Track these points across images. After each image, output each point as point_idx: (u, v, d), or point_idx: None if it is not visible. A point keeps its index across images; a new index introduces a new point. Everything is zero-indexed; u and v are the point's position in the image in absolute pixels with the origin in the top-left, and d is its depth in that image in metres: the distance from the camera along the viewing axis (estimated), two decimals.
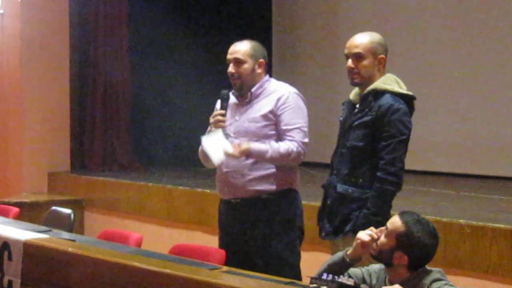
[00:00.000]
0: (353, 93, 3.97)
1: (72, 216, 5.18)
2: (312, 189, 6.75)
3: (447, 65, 8.68)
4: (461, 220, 5.07)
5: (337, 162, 3.89)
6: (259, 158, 4.05)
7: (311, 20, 10.18)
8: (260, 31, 9.73)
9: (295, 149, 4.05)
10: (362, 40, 3.83)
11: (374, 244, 3.16)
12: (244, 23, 9.71)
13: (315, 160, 8.38)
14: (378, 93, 3.75)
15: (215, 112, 4.16)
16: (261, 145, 4.05)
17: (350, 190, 3.75)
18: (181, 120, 9.40)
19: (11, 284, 3.97)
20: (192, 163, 8.77)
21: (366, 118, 3.74)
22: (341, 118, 4.00)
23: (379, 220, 3.54)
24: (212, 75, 9.32)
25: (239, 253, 4.12)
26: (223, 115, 4.12)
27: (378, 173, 3.66)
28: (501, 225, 4.87)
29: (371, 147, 3.72)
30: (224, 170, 4.15)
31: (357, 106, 3.87)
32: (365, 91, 3.79)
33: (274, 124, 4.11)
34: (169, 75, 9.44)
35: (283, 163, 4.10)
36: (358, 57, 3.81)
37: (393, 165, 3.65)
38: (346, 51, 3.87)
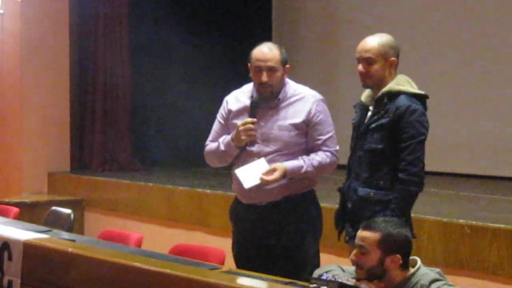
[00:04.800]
0: (365, 95, 3.96)
1: (72, 216, 5.18)
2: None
3: (446, 65, 8.68)
4: (461, 220, 5.07)
5: (356, 165, 3.89)
6: (295, 175, 4.01)
7: (311, 21, 10.18)
8: (260, 31, 9.74)
9: (328, 160, 4.05)
10: (372, 44, 3.81)
11: (358, 271, 3.12)
12: (244, 23, 9.71)
13: None
14: (393, 95, 3.76)
15: (245, 120, 4.02)
16: (294, 162, 4.00)
17: (371, 193, 3.75)
18: (181, 120, 9.40)
19: (11, 284, 3.97)
20: (192, 163, 8.80)
21: (383, 120, 3.74)
22: (354, 121, 3.99)
23: (403, 221, 3.55)
24: (212, 75, 9.34)
25: (261, 256, 4.07)
26: (254, 123, 4.02)
27: (400, 174, 3.67)
28: (501, 225, 4.87)
29: (390, 149, 3.73)
30: None
31: (371, 108, 3.86)
32: (380, 93, 3.79)
33: (304, 133, 4.07)
34: (169, 75, 9.44)
35: (319, 174, 4.10)
36: (369, 62, 3.80)
37: (415, 165, 3.67)
38: (357, 55, 3.85)
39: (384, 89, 3.78)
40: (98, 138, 9.08)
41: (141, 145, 9.45)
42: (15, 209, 5.66)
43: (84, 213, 8.03)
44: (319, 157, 4.04)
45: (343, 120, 9.73)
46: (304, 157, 4.04)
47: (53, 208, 5.50)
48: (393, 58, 3.81)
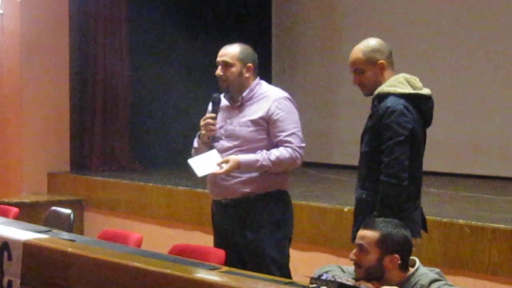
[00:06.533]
0: None
1: (72, 216, 5.18)
2: (311, 189, 6.76)
3: (447, 65, 8.68)
4: (461, 220, 5.07)
5: (358, 167, 3.91)
6: (250, 168, 4.08)
7: (311, 23, 10.18)
8: (260, 34, 9.74)
9: (288, 155, 4.08)
10: (357, 54, 3.83)
11: (357, 270, 3.14)
12: (244, 25, 9.71)
13: (314, 160, 8.37)
14: (382, 97, 3.76)
15: (206, 115, 4.21)
16: (249, 156, 4.08)
17: (364, 195, 3.77)
18: (180, 120, 9.40)
19: (10, 284, 3.97)
20: None
21: (369, 124, 3.78)
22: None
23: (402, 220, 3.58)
24: (212, 75, 9.31)
25: (231, 252, 4.14)
26: (214, 118, 4.18)
27: (380, 176, 3.67)
28: (501, 225, 4.87)
29: (376, 152, 3.73)
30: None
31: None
32: (373, 96, 3.81)
33: (265, 129, 4.14)
34: (169, 75, 9.44)
35: (278, 169, 4.12)
36: (359, 72, 3.82)
37: (391, 167, 3.63)
38: (349, 68, 3.88)
39: (375, 92, 3.79)
40: (98, 138, 9.08)
41: (141, 145, 9.45)
42: (15, 209, 5.65)
43: (84, 213, 8.03)
44: (277, 152, 4.09)
45: (343, 120, 9.78)
46: (263, 151, 4.10)
47: (53, 208, 5.50)
48: (381, 61, 3.80)
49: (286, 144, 4.10)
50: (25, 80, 8.47)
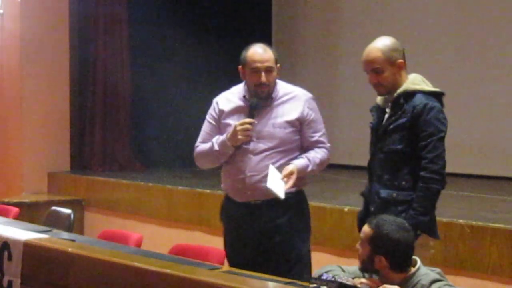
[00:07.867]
0: (380, 98, 3.94)
1: (72, 216, 5.18)
2: (312, 189, 6.76)
3: (448, 65, 8.68)
4: (461, 220, 5.07)
5: (377, 168, 3.85)
6: (302, 174, 4.07)
7: (311, 23, 10.18)
8: (260, 32, 9.74)
9: (326, 157, 4.16)
10: (376, 53, 3.78)
11: (359, 261, 3.18)
12: (244, 23, 9.72)
13: None
14: (409, 94, 3.76)
15: (244, 120, 4.06)
16: (301, 162, 4.07)
17: (394, 194, 3.72)
18: (181, 120, 9.41)
19: (11, 284, 3.97)
20: (192, 163, 8.78)
21: (401, 121, 3.74)
22: (371, 124, 3.96)
23: (426, 220, 3.59)
24: (212, 75, 9.34)
25: (255, 254, 4.09)
26: (252, 124, 4.06)
27: (422, 173, 3.66)
28: (501, 225, 4.88)
29: (410, 149, 3.72)
30: (248, 174, 4.10)
31: (387, 110, 3.84)
32: (396, 94, 3.78)
33: (298, 130, 4.13)
34: (169, 75, 9.44)
35: (317, 172, 4.17)
36: (377, 72, 3.79)
37: (436, 163, 3.68)
38: (363, 67, 3.83)
39: (400, 90, 3.77)
40: (98, 138, 9.08)
41: (141, 145, 9.45)
42: (15, 209, 5.66)
43: (84, 213, 8.04)
44: (319, 155, 4.12)
45: (343, 120, 9.77)
46: (308, 155, 4.10)
47: (53, 208, 5.51)
48: (400, 61, 3.79)
49: (321, 145, 4.15)
50: (25, 80, 8.47)
